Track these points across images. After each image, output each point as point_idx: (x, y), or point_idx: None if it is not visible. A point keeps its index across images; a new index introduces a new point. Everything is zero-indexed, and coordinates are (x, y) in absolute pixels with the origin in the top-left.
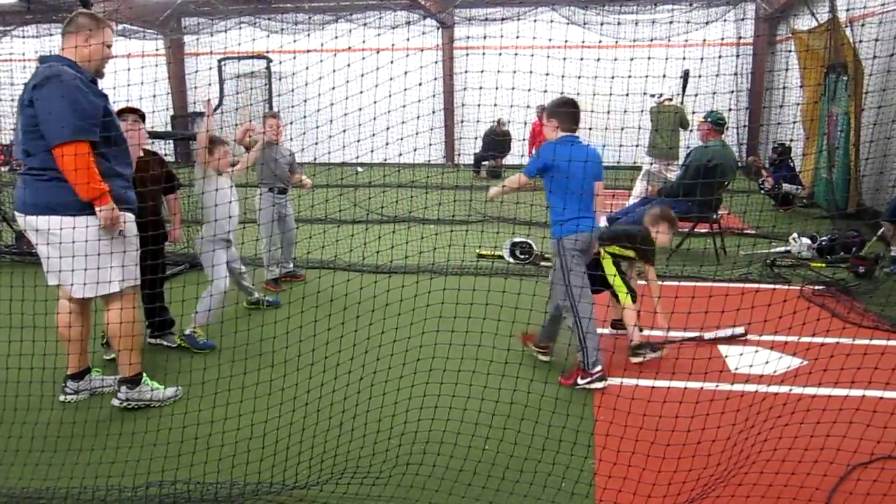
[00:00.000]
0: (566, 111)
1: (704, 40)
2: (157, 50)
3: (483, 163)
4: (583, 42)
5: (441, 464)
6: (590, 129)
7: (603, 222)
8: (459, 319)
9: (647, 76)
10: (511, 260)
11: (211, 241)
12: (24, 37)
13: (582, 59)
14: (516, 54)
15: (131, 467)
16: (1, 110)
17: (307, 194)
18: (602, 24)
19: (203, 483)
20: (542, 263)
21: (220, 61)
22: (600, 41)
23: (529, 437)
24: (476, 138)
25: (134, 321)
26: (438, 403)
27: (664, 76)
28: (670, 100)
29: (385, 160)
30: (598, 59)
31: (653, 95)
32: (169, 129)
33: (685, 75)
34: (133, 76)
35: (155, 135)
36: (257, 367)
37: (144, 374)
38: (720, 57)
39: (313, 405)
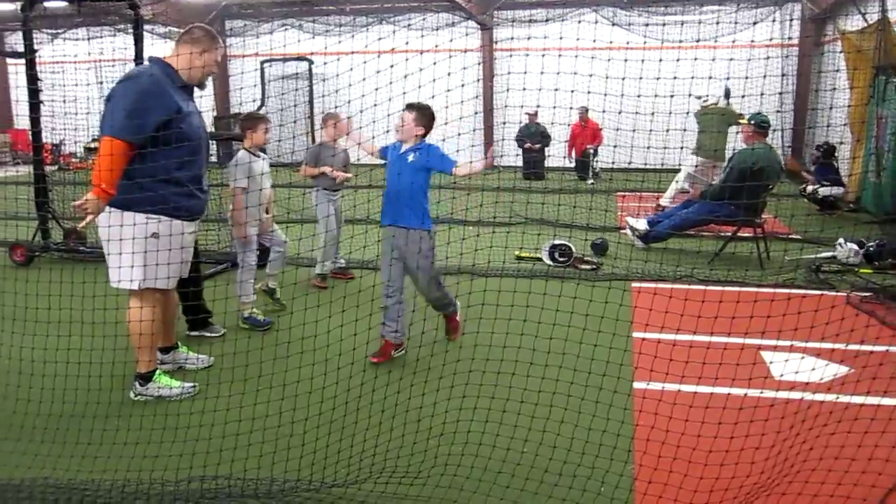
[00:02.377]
0: (432, 122)
1: (753, 41)
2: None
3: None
4: (628, 43)
5: (479, 465)
6: (633, 130)
7: (643, 225)
8: (500, 321)
9: (692, 77)
10: (549, 262)
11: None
12: (74, 39)
13: (626, 60)
14: (560, 55)
15: (174, 461)
16: (52, 110)
17: (351, 195)
18: (647, 26)
19: (244, 479)
20: (581, 266)
21: (262, 63)
22: (645, 42)
23: (568, 441)
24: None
25: (152, 321)
26: (477, 405)
27: (710, 77)
28: (716, 104)
29: None
30: (643, 61)
31: (698, 97)
32: (211, 130)
33: (727, 92)
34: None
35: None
36: (298, 365)
37: (158, 371)
38: (767, 58)
39: (353, 403)
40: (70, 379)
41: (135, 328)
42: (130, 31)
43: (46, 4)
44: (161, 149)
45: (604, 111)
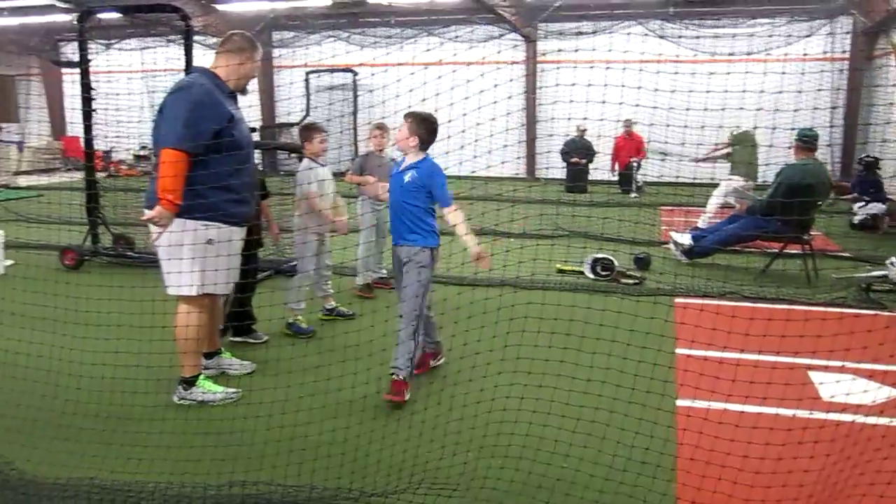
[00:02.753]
0: (433, 132)
1: (806, 54)
2: None
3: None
4: (677, 56)
5: (519, 479)
6: (682, 144)
7: (687, 239)
8: (542, 334)
9: (743, 90)
10: (591, 276)
11: (303, 229)
12: (133, 49)
13: (677, 72)
14: (608, 67)
15: (216, 466)
16: (104, 118)
17: None
18: (698, 38)
19: (284, 485)
20: (623, 281)
21: (308, 74)
22: (695, 55)
23: (610, 458)
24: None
25: (199, 326)
26: (518, 418)
27: (761, 91)
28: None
29: (473, 172)
30: (694, 73)
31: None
32: (257, 139)
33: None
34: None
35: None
36: (340, 374)
37: (201, 376)
38: (821, 72)
39: (394, 414)
40: (117, 381)
41: (181, 333)
42: (181, 41)
43: (101, 16)
44: (214, 156)
45: (651, 124)
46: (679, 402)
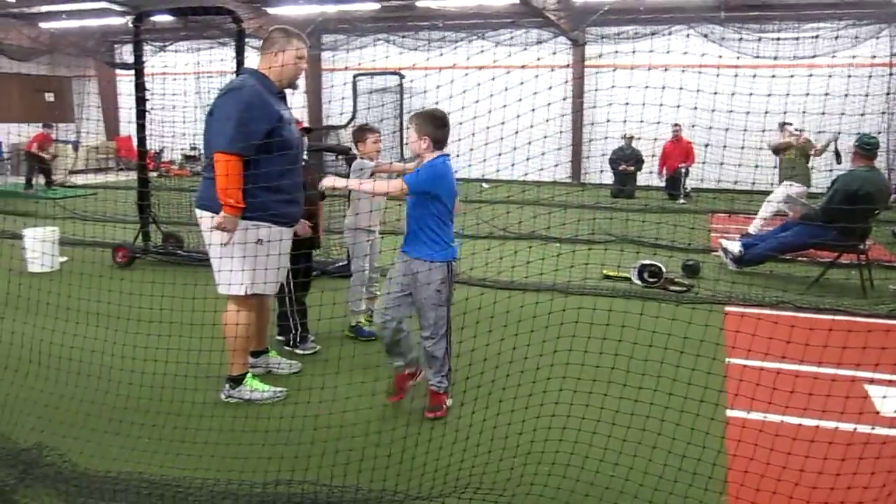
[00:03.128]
0: (443, 127)
1: (874, 57)
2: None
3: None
4: (738, 58)
5: (566, 487)
6: (742, 147)
7: (737, 247)
8: (594, 340)
9: (806, 94)
10: (638, 282)
11: (353, 229)
12: (185, 51)
13: (737, 75)
14: (666, 70)
15: (262, 464)
16: (161, 117)
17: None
18: (760, 41)
19: (329, 485)
20: (671, 288)
21: (355, 76)
22: (756, 57)
23: (661, 467)
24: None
25: (247, 324)
26: (567, 424)
27: (826, 94)
28: (800, 132)
29: (525, 175)
30: (755, 76)
31: (786, 123)
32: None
33: (781, 126)
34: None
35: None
36: (388, 376)
37: (249, 374)
38: (892, 75)
39: (440, 418)
40: (167, 377)
41: (230, 331)
42: (231, 43)
43: (154, 18)
44: (264, 156)
45: (710, 127)
46: (731, 413)
